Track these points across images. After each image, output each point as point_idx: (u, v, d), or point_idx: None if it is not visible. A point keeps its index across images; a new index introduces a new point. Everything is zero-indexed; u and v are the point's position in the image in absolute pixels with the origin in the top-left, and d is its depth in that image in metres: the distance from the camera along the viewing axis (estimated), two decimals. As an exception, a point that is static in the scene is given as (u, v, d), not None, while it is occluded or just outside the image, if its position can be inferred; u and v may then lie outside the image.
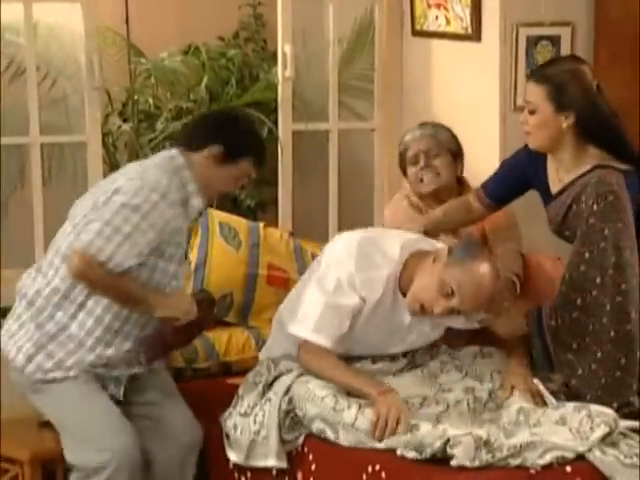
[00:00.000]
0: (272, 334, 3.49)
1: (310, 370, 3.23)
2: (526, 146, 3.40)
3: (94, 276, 3.09)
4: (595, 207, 3.15)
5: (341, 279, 3.18)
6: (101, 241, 3.06)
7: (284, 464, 3.18)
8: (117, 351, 3.19)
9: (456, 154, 3.81)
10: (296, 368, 3.29)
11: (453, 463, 2.91)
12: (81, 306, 3.17)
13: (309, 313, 3.22)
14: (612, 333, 3.17)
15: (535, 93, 3.28)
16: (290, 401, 3.20)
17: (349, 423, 3.08)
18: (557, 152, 3.32)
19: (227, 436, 3.31)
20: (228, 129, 3.22)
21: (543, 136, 3.30)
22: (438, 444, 2.94)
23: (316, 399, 3.14)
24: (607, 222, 3.14)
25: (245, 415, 3.26)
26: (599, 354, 3.18)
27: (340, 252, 3.23)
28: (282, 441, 3.18)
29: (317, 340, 3.19)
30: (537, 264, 3.65)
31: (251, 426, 3.23)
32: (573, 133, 3.26)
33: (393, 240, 3.26)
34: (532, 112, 3.30)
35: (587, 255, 3.20)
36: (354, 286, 3.17)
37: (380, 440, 3.03)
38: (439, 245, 3.32)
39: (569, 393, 3.21)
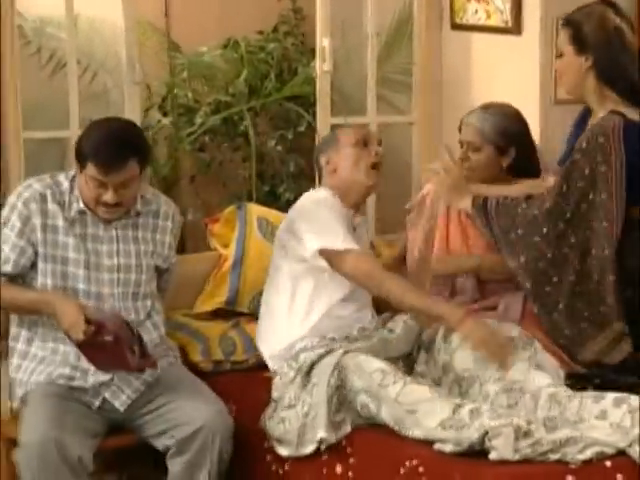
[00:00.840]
0: (263, 326, 3.55)
1: (363, 279, 3.29)
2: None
3: None
4: (584, 145, 3.19)
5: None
6: None
7: (333, 438, 3.16)
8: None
9: (503, 148, 3.64)
10: (328, 349, 3.31)
11: (492, 457, 2.89)
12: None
13: (323, 229, 3.33)
14: (577, 265, 3.27)
15: (561, 36, 3.37)
16: (339, 375, 3.20)
17: (393, 398, 3.09)
18: (583, 97, 3.35)
19: (271, 435, 3.33)
20: (78, 140, 3.37)
21: (569, 80, 3.36)
22: (476, 436, 2.92)
23: (364, 373, 3.16)
24: (591, 162, 3.16)
25: (290, 407, 3.28)
26: (577, 287, 3.26)
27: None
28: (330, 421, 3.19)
29: (352, 246, 3.28)
30: None
31: (299, 413, 3.24)
32: (593, 76, 3.29)
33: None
34: (560, 55, 3.37)
35: (564, 188, 3.26)
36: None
37: (507, 367, 3.12)
38: None
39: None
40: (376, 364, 3.19)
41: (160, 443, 3.32)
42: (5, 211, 3.40)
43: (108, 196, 3.29)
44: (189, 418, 3.28)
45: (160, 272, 3.58)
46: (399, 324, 3.47)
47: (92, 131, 3.35)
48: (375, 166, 3.57)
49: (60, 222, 3.37)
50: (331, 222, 3.36)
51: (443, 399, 3.08)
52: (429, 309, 3.26)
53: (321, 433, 3.17)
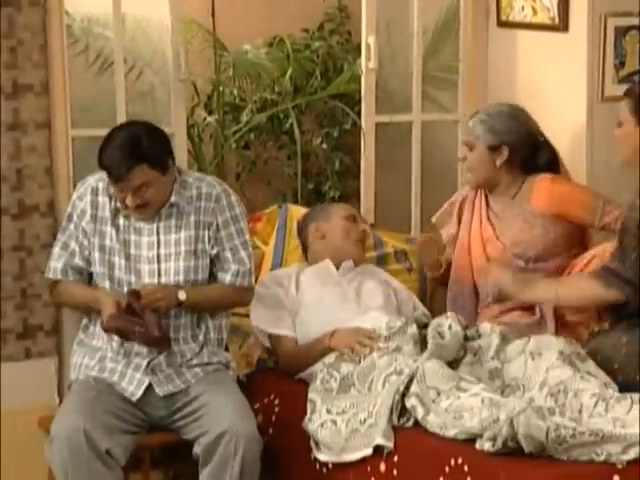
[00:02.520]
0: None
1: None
2: None
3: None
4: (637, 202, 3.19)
5: None
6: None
7: (391, 444, 3.17)
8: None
9: (493, 147, 3.75)
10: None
11: (525, 445, 2.89)
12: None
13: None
14: None
15: (622, 105, 3.37)
16: (409, 384, 3.22)
17: (443, 408, 3.12)
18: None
19: (312, 437, 3.35)
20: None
21: (628, 150, 3.33)
22: (505, 428, 2.92)
23: (421, 382, 3.20)
24: None
25: (343, 413, 3.30)
26: None
27: None
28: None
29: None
30: None
31: (352, 421, 3.26)
32: None
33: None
34: (619, 125, 3.37)
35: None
36: None
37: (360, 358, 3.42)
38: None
39: None
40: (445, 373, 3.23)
41: (194, 450, 3.35)
42: (68, 207, 3.55)
43: (128, 200, 3.39)
44: (213, 424, 3.30)
45: (219, 260, 3.56)
46: (445, 329, 3.48)
47: (105, 141, 3.43)
48: (361, 241, 3.92)
49: (107, 213, 3.48)
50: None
51: (493, 406, 3.07)
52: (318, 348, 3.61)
53: (378, 439, 3.17)
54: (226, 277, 3.55)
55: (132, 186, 3.36)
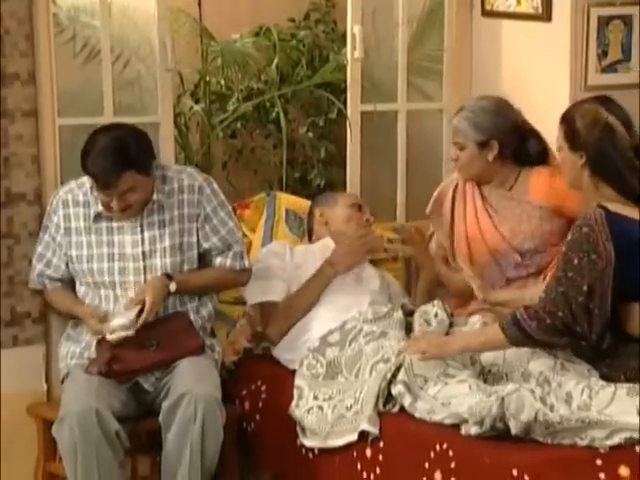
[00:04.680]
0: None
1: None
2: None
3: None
4: (570, 236, 3.18)
5: None
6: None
7: (376, 430, 3.20)
8: None
9: (482, 143, 3.75)
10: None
11: (513, 426, 2.92)
12: None
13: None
14: None
15: (558, 131, 3.36)
16: (395, 373, 3.25)
17: (431, 395, 3.15)
18: (583, 191, 3.33)
19: (298, 423, 3.38)
20: (82, 149, 3.48)
21: (567, 174, 3.33)
22: (495, 407, 2.95)
23: (410, 371, 3.22)
24: (578, 252, 3.13)
25: (329, 399, 3.34)
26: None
27: None
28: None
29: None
30: None
31: (338, 407, 3.29)
32: (588, 173, 3.26)
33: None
34: (559, 149, 3.36)
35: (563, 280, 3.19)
36: None
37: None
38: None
39: None
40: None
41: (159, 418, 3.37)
42: (44, 219, 3.62)
43: (114, 204, 3.42)
44: (174, 388, 3.34)
45: (216, 247, 3.60)
46: (431, 316, 3.54)
47: (89, 146, 3.43)
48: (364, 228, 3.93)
49: (81, 223, 3.53)
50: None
51: (481, 392, 3.10)
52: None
53: (364, 425, 3.20)
54: (227, 261, 3.60)
55: (119, 192, 3.40)
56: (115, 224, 3.53)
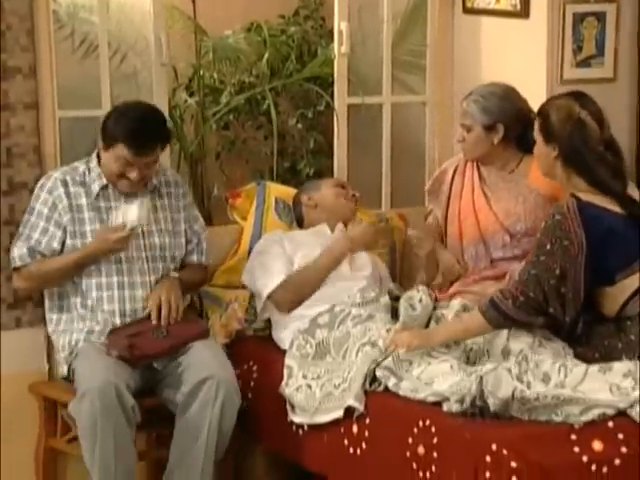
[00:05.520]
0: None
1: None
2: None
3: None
4: (544, 224, 3.26)
5: None
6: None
7: (362, 407, 3.25)
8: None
9: (489, 126, 3.79)
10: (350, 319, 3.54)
11: (491, 403, 2.98)
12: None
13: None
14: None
15: (535, 125, 3.44)
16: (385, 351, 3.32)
17: (415, 376, 3.22)
18: (557, 182, 3.43)
19: (288, 401, 3.45)
20: (105, 121, 3.53)
21: (542, 165, 3.43)
22: (474, 386, 3.02)
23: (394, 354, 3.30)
24: (550, 238, 3.21)
25: (318, 378, 3.41)
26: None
27: None
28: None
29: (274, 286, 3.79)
30: None
31: (326, 385, 3.35)
32: (560, 165, 3.35)
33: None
34: (533, 142, 3.45)
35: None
36: None
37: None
38: None
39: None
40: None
41: (177, 398, 3.46)
42: (31, 202, 3.61)
43: (134, 174, 3.49)
44: (195, 372, 3.42)
45: (189, 240, 3.74)
46: (416, 301, 3.60)
47: (123, 115, 3.49)
48: (352, 202, 4.04)
49: (84, 200, 3.58)
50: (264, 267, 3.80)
51: (462, 371, 3.16)
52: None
53: (350, 401, 3.25)
54: (201, 258, 3.76)
55: (148, 161, 3.49)
56: (113, 204, 3.59)
